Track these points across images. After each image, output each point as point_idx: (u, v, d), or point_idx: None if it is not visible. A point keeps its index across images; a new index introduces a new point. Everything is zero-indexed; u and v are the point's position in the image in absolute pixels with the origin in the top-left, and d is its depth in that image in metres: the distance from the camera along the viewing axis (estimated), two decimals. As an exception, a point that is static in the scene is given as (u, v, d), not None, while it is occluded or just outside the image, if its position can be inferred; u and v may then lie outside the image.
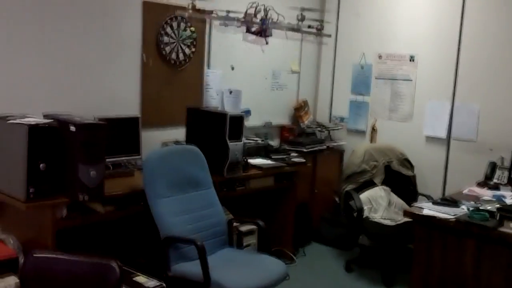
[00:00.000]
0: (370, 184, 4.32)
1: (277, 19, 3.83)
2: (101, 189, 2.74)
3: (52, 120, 2.68)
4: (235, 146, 3.48)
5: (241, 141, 3.56)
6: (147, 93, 3.74)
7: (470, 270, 2.83)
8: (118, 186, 2.98)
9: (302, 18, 3.99)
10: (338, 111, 5.17)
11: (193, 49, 3.99)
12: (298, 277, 3.98)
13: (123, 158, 3.37)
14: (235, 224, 3.47)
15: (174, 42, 3.85)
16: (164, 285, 2.69)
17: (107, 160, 2.94)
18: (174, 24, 3.83)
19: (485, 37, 4.17)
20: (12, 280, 2.60)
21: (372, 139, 4.86)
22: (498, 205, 3.03)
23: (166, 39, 3.79)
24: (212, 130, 3.56)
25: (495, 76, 4.13)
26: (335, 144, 4.98)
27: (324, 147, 4.83)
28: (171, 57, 3.85)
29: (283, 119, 4.97)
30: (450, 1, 4.34)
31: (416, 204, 3.26)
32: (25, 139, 2.50)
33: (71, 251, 2.04)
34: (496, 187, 3.61)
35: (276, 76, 4.83)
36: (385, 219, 4.10)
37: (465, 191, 3.50)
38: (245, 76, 4.48)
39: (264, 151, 4.26)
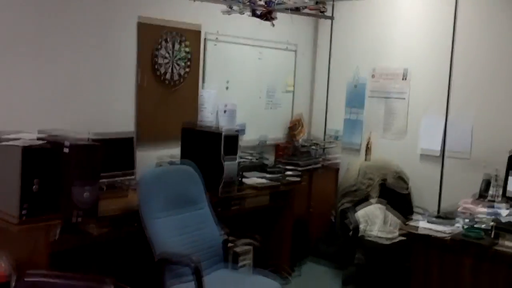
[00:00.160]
0: (365, 200, 4.31)
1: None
2: (95, 210, 2.71)
3: (45, 142, 2.67)
4: (230, 165, 3.48)
5: (236, 160, 3.56)
6: (142, 112, 3.75)
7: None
8: (112, 207, 2.96)
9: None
10: (333, 126, 5.19)
11: (187, 69, 4.02)
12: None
13: (117, 178, 3.36)
14: (230, 244, 3.44)
15: (168, 63, 3.87)
16: (159, 306, 2.65)
17: (101, 180, 2.92)
18: (169, 45, 3.85)
19: (477, 53, 4.20)
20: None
21: (367, 156, 4.87)
22: (492, 222, 3.01)
23: (160, 60, 3.81)
24: (207, 149, 3.56)
25: (488, 91, 4.15)
26: (329, 162, 4.98)
27: (319, 165, 4.83)
28: (166, 77, 3.87)
29: (278, 135, 4.98)
30: (442, 16, 4.37)
31: (412, 222, 3.25)
32: (18, 160, 2.49)
33: (65, 270, 2.01)
34: (491, 202, 3.60)
35: (271, 95, 4.85)
36: (380, 237, 4.09)
37: (460, 208, 3.49)
38: (239, 95, 4.49)
39: (259, 168, 4.25)
